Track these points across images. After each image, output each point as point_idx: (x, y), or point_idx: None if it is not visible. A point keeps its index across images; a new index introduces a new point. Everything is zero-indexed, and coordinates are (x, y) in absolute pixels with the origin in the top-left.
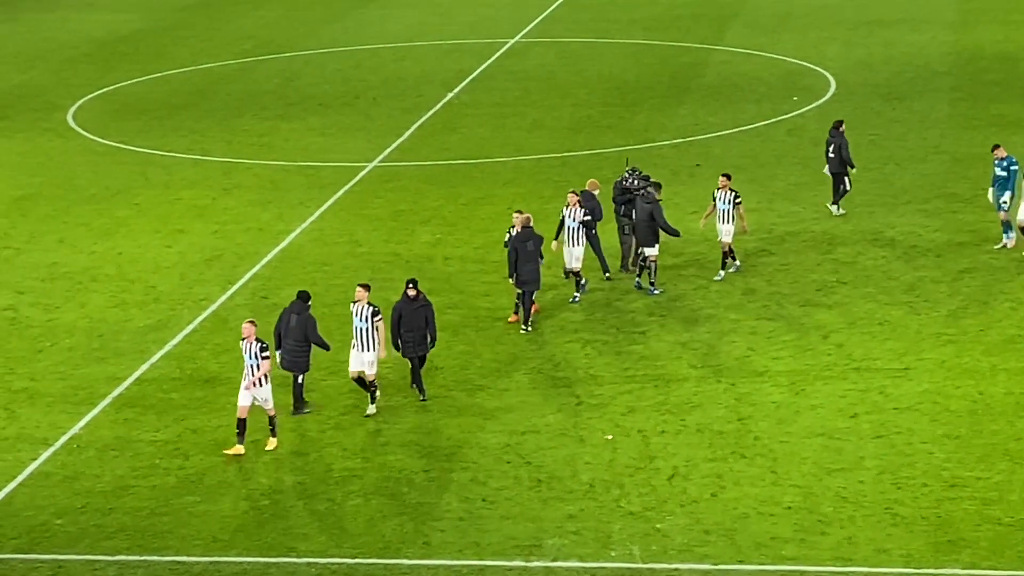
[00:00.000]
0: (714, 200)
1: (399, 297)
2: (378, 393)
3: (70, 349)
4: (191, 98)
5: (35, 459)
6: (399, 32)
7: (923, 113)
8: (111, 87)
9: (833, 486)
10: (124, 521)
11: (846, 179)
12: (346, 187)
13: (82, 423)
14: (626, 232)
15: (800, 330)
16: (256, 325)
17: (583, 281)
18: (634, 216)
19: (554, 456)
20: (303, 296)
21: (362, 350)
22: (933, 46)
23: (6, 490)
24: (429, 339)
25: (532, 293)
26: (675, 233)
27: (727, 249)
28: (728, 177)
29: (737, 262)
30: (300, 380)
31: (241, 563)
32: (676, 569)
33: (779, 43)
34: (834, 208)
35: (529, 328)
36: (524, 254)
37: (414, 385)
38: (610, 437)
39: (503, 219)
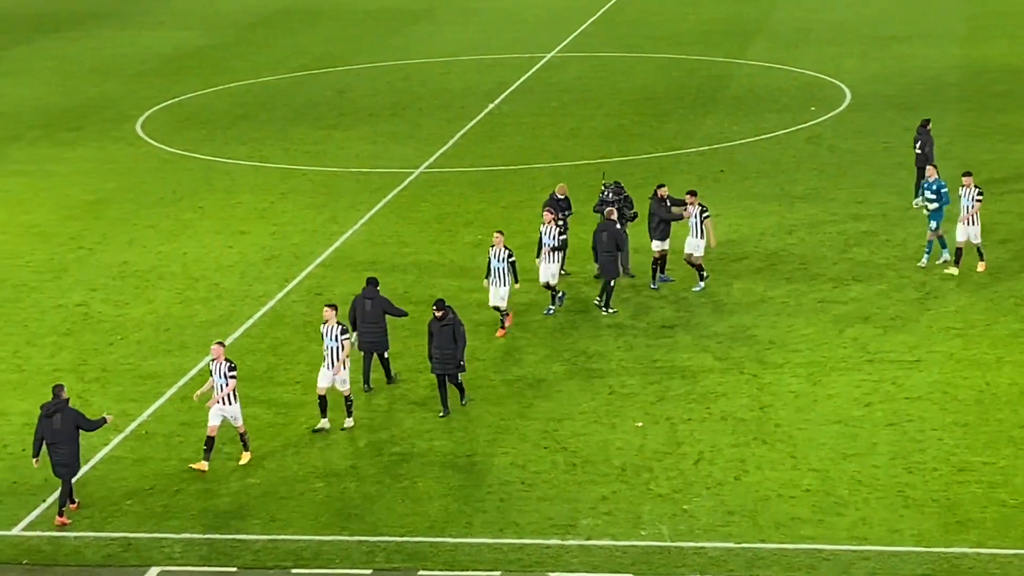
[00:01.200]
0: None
1: (441, 295)
2: (353, 408)
3: (139, 342)
4: (251, 109)
5: (106, 444)
6: (445, 48)
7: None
8: (177, 99)
9: (849, 470)
10: (189, 502)
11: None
12: (394, 191)
13: (150, 411)
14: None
15: (817, 324)
16: (336, 309)
17: (560, 294)
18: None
19: (588, 442)
20: (373, 281)
21: (332, 368)
22: (943, 59)
23: (80, 472)
24: (457, 360)
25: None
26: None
27: (698, 264)
28: (694, 193)
29: (704, 279)
30: (386, 356)
31: (297, 541)
32: (702, 547)
33: (799, 57)
34: (917, 201)
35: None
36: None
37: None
38: (640, 424)
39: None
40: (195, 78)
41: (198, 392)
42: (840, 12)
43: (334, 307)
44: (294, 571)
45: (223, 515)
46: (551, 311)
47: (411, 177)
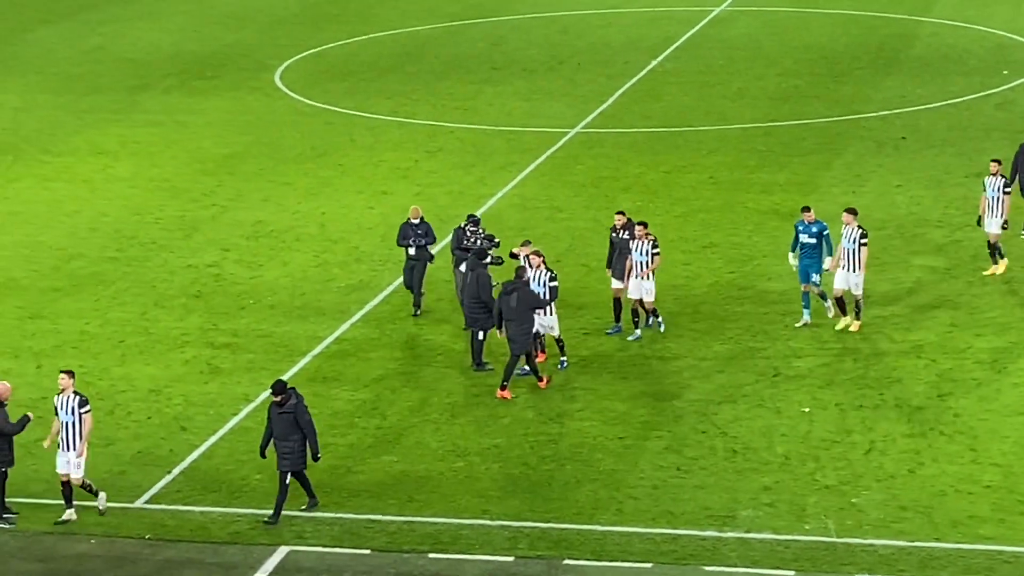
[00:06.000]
0: (630, 251)
1: (595, 265)
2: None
3: (272, 307)
4: (397, 61)
5: (236, 414)
6: None
7: None
8: (319, 48)
9: None
10: (321, 478)
11: None
12: (548, 152)
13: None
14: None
15: (1004, 307)
16: (73, 376)
17: (561, 345)
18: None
19: (750, 427)
20: (479, 254)
21: (67, 449)
22: None
23: (207, 444)
24: (313, 452)
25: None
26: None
27: (650, 309)
28: (644, 225)
29: (660, 319)
30: (481, 337)
31: (435, 523)
32: (871, 545)
33: (990, 16)
34: None
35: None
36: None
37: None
38: (807, 410)
39: (705, 188)
40: (338, 26)
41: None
42: None
43: (70, 373)
44: (431, 555)
45: (357, 494)
46: (563, 365)
47: (566, 137)
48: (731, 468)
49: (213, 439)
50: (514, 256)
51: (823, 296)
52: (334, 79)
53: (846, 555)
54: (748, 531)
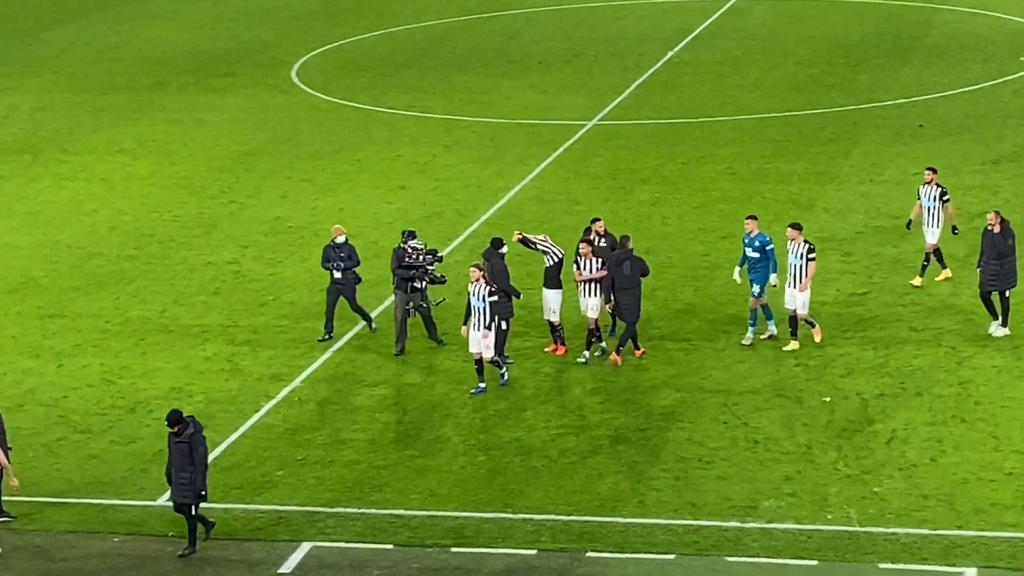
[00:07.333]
0: (578, 266)
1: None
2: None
3: (292, 303)
4: (414, 55)
5: (257, 411)
6: None
7: None
8: (335, 44)
9: None
10: (343, 474)
11: None
12: (565, 145)
13: (302, 377)
14: (409, 310)
15: None
16: (482, 269)
17: (504, 371)
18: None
19: (771, 417)
20: (495, 243)
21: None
22: None
23: (229, 441)
24: (197, 488)
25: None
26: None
27: (592, 326)
28: (590, 244)
29: (603, 344)
30: (504, 327)
31: (457, 517)
32: (893, 533)
33: (1007, 2)
34: None
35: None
36: (620, 279)
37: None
38: (828, 399)
39: (723, 179)
40: (354, 22)
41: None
42: None
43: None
44: (454, 549)
45: (379, 489)
46: (481, 390)
47: (583, 130)
48: (753, 459)
49: (234, 436)
50: (588, 241)
51: (767, 311)
52: (351, 74)
53: (868, 544)
54: (770, 521)
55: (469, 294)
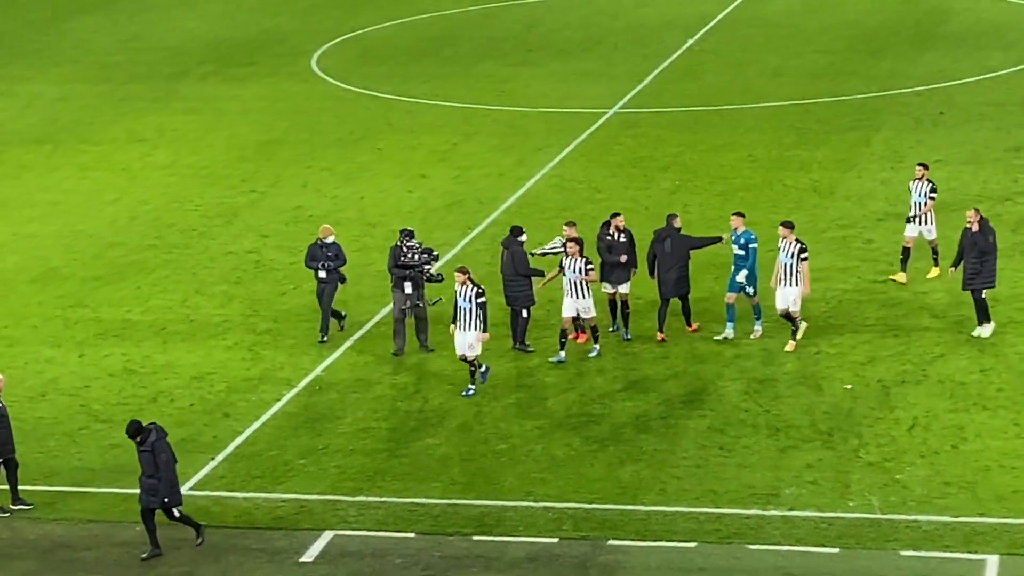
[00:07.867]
0: (563, 269)
1: (638, 242)
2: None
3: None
4: (434, 44)
5: (278, 400)
6: None
7: None
8: (355, 33)
9: None
10: (364, 462)
11: None
12: (586, 133)
13: (324, 365)
14: (406, 310)
15: None
16: (466, 273)
17: (483, 368)
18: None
19: (792, 405)
20: (514, 231)
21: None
22: None
23: (250, 429)
24: (161, 496)
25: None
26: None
27: (565, 326)
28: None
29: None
30: (525, 315)
31: (479, 506)
32: (915, 520)
33: None
34: None
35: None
36: (662, 257)
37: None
38: (849, 387)
39: (744, 166)
40: (374, 10)
41: None
42: None
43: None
44: (475, 538)
45: (401, 477)
46: (471, 392)
47: (604, 118)
48: (774, 446)
49: (256, 425)
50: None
51: (756, 310)
52: (371, 63)
53: (890, 531)
54: (792, 509)
55: (456, 295)
